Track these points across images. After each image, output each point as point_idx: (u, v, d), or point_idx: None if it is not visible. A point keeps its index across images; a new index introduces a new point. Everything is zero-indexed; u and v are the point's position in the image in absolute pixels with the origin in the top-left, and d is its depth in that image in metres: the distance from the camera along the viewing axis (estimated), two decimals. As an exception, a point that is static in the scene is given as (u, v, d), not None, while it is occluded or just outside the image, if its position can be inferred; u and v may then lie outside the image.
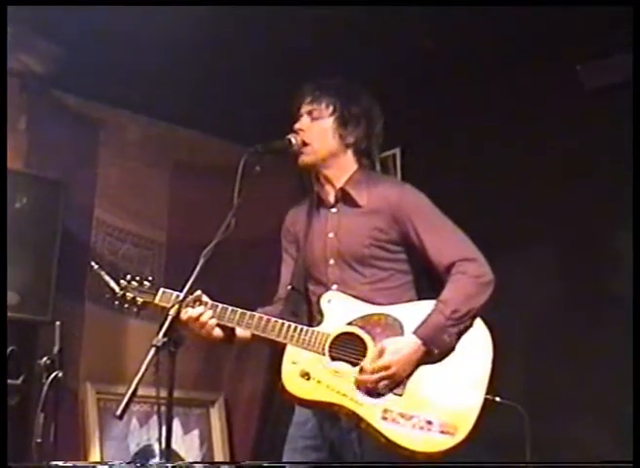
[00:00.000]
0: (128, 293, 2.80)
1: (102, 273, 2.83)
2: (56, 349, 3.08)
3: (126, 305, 2.82)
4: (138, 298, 2.80)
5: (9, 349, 3.43)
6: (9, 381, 3.47)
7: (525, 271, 4.33)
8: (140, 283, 2.82)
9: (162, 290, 2.80)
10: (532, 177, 4.38)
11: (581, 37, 4.02)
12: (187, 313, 2.70)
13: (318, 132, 2.94)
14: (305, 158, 2.94)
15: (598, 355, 4.00)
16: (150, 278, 2.84)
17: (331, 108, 2.94)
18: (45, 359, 3.06)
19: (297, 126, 2.96)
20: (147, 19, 3.91)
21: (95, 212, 4.79)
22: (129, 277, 2.83)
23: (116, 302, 2.82)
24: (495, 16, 3.88)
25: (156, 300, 2.79)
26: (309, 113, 2.96)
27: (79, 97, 4.71)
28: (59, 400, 3.02)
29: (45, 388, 3.01)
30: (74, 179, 4.54)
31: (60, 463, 2.83)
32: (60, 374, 3.03)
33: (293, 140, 2.91)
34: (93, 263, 2.85)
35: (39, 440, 2.99)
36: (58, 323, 3.18)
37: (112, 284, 2.81)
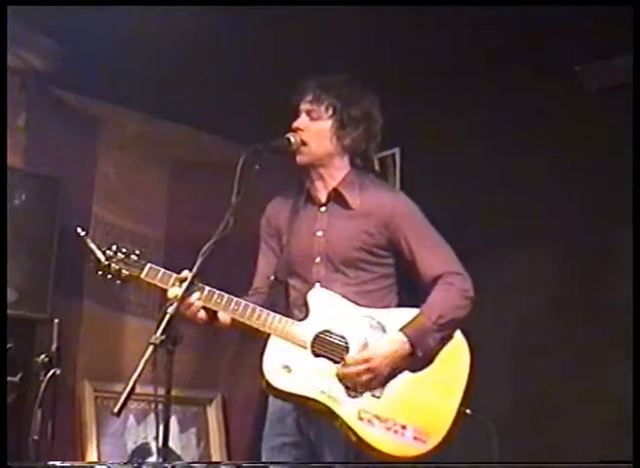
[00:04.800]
0: (113, 265, 2.75)
1: (88, 240, 2.78)
2: (53, 346, 3.08)
3: (109, 276, 2.76)
4: (123, 271, 2.76)
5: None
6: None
7: (518, 276, 4.34)
8: (127, 255, 2.78)
9: (149, 265, 2.77)
10: (531, 178, 4.39)
11: (581, 38, 4.01)
12: (175, 292, 2.66)
13: (316, 132, 2.94)
14: (303, 158, 2.95)
15: (588, 363, 4.01)
16: (137, 252, 2.80)
17: (330, 110, 2.94)
18: (43, 356, 3.06)
19: (295, 124, 2.96)
20: (147, 16, 3.91)
21: (93, 209, 4.77)
22: (114, 247, 2.78)
23: (99, 272, 2.76)
24: (495, 16, 3.88)
25: (142, 275, 2.76)
26: (308, 112, 2.96)
27: (78, 95, 4.71)
28: (56, 397, 3.02)
29: (42, 385, 3.01)
30: (73, 177, 4.53)
31: (58, 463, 2.82)
32: (58, 372, 3.03)
33: (292, 139, 2.92)
34: (79, 230, 2.79)
35: (36, 437, 2.99)
36: (56, 320, 3.18)
37: (98, 253, 2.76)
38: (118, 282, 2.78)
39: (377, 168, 5.05)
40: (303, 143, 2.92)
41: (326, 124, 2.95)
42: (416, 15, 3.90)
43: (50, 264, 4.24)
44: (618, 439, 3.46)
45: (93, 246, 2.77)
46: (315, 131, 2.95)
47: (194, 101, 4.74)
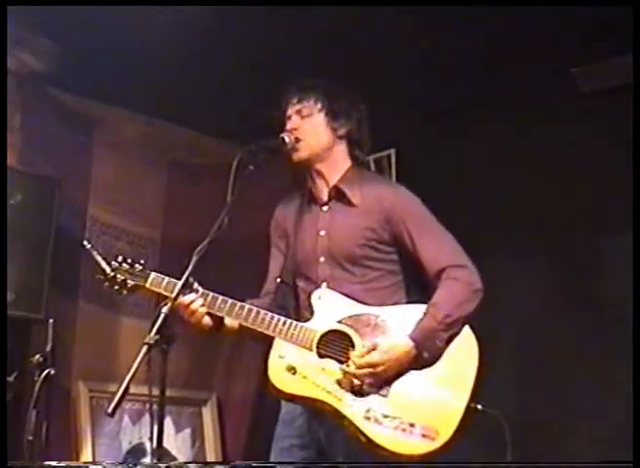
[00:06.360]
0: (119, 275, 2.80)
1: (95, 253, 2.82)
2: (48, 347, 3.08)
3: (116, 287, 2.80)
4: (128, 281, 2.80)
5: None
6: (1, 378, 3.48)
7: (515, 276, 4.33)
8: (132, 265, 2.82)
9: (153, 274, 2.81)
10: (529, 180, 4.38)
11: (579, 39, 4.01)
12: (178, 299, 2.66)
13: (310, 128, 2.95)
14: (300, 153, 2.94)
15: (585, 361, 4.01)
16: (142, 262, 2.84)
17: (319, 104, 2.95)
18: (38, 356, 3.06)
19: (288, 126, 2.96)
20: (144, 17, 3.91)
21: (89, 209, 4.78)
22: (120, 259, 2.82)
23: (106, 284, 2.81)
24: (492, 17, 3.89)
25: (147, 284, 2.79)
26: (298, 112, 2.97)
27: (74, 95, 4.70)
28: (51, 397, 3.02)
29: (37, 385, 3.01)
30: (69, 177, 4.53)
31: (54, 463, 2.82)
32: (53, 372, 3.03)
33: (286, 139, 2.91)
34: (85, 242, 2.83)
35: (31, 437, 2.99)
36: (51, 320, 3.18)
37: (104, 264, 2.80)
38: (125, 292, 2.82)
39: (372, 169, 5.08)
40: (298, 140, 2.92)
41: (318, 118, 2.96)
42: (414, 15, 3.91)
43: (45, 264, 4.25)
44: (618, 439, 3.47)
45: (99, 258, 2.81)
46: (309, 127, 2.95)
47: (191, 103, 4.74)
